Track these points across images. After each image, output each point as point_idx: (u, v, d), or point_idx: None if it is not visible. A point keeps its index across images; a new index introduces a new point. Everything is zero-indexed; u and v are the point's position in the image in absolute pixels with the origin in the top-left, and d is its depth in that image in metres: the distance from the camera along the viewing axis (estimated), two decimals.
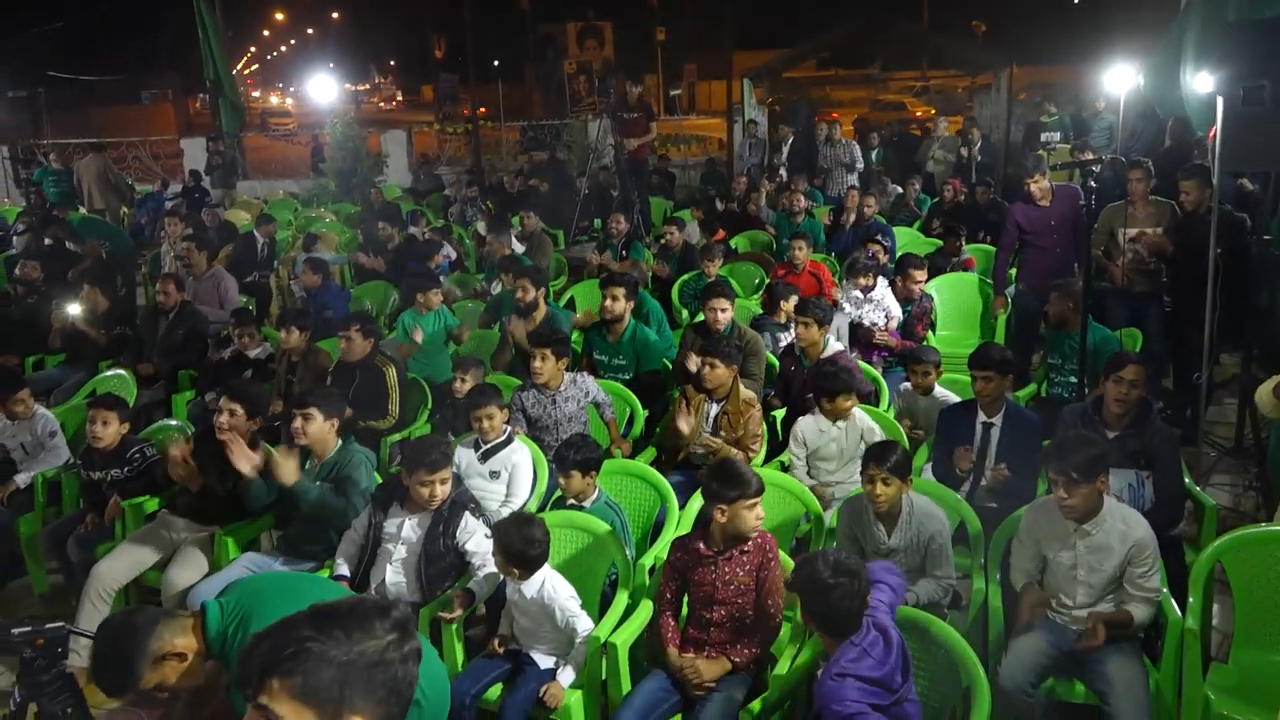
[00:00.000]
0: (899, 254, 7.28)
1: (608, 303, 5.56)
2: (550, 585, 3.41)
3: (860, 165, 12.09)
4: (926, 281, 6.74)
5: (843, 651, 2.65)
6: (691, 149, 19.64)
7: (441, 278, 7.76)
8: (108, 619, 2.53)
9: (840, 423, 4.51)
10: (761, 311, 6.30)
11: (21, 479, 5.01)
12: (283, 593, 2.68)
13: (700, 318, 5.68)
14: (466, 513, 3.75)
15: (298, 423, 4.09)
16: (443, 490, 3.72)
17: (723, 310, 5.40)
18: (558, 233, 11.01)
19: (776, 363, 5.59)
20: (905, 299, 6.39)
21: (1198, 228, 5.55)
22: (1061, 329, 5.31)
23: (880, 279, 6.42)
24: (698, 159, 17.26)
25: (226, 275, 7.83)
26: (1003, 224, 6.79)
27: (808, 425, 4.56)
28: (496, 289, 7.45)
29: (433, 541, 3.73)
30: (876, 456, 3.55)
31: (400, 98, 59.33)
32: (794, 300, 5.92)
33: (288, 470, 3.94)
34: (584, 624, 3.43)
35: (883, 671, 2.61)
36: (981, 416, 4.32)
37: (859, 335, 6.13)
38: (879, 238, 7.80)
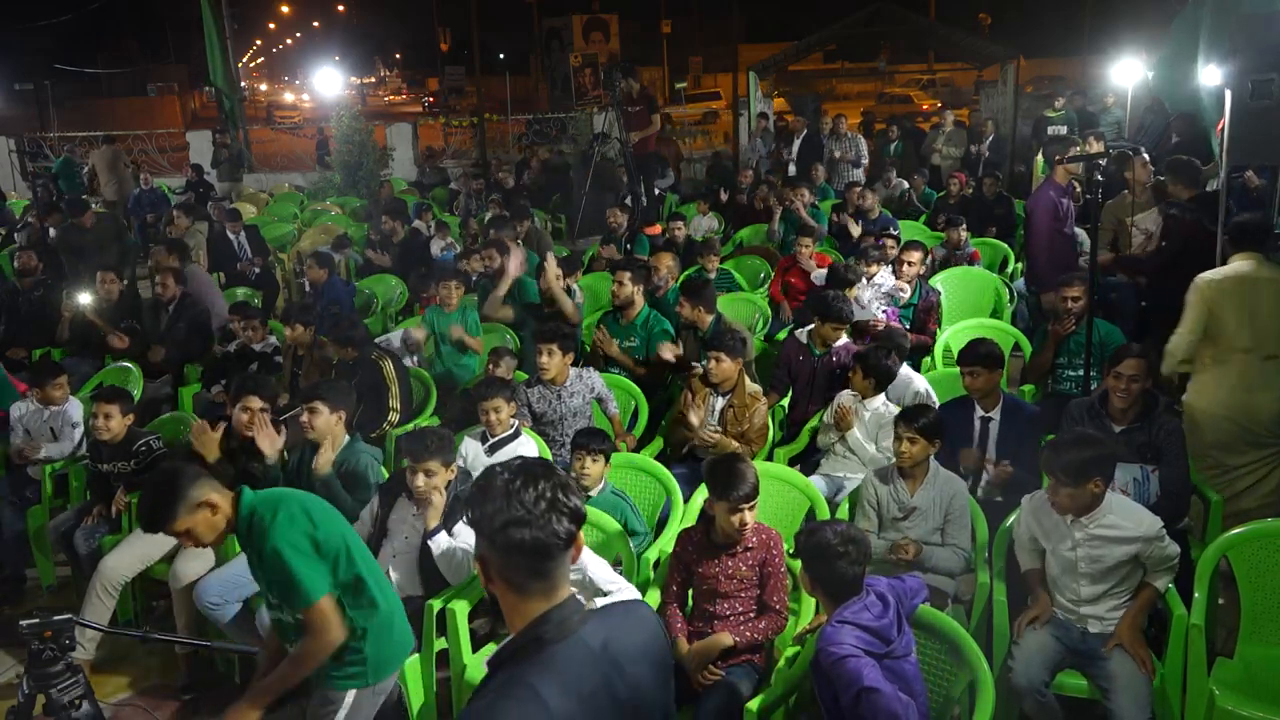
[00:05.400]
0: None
1: (614, 287, 5.68)
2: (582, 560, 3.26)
3: (865, 160, 12.03)
4: (931, 275, 6.71)
5: (846, 605, 2.76)
6: (697, 142, 19.60)
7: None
8: (159, 467, 2.87)
9: (867, 402, 4.64)
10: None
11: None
12: (311, 503, 2.98)
13: None
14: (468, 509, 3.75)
15: (305, 417, 4.12)
16: (425, 481, 3.68)
17: (679, 305, 5.56)
18: (560, 225, 11.03)
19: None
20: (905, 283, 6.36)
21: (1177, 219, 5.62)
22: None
23: (884, 267, 6.43)
24: (703, 152, 17.23)
25: (199, 274, 7.69)
26: (1036, 216, 6.34)
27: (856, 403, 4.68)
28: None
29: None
30: (906, 417, 3.81)
31: (405, 90, 59.22)
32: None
33: (325, 459, 4.07)
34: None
35: (880, 623, 2.72)
36: (979, 411, 4.35)
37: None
38: (886, 230, 7.79)
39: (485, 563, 1.70)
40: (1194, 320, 4.29)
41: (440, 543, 3.67)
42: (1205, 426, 4.33)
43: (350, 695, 2.94)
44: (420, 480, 3.68)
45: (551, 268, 5.85)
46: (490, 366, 5.39)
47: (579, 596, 1.77)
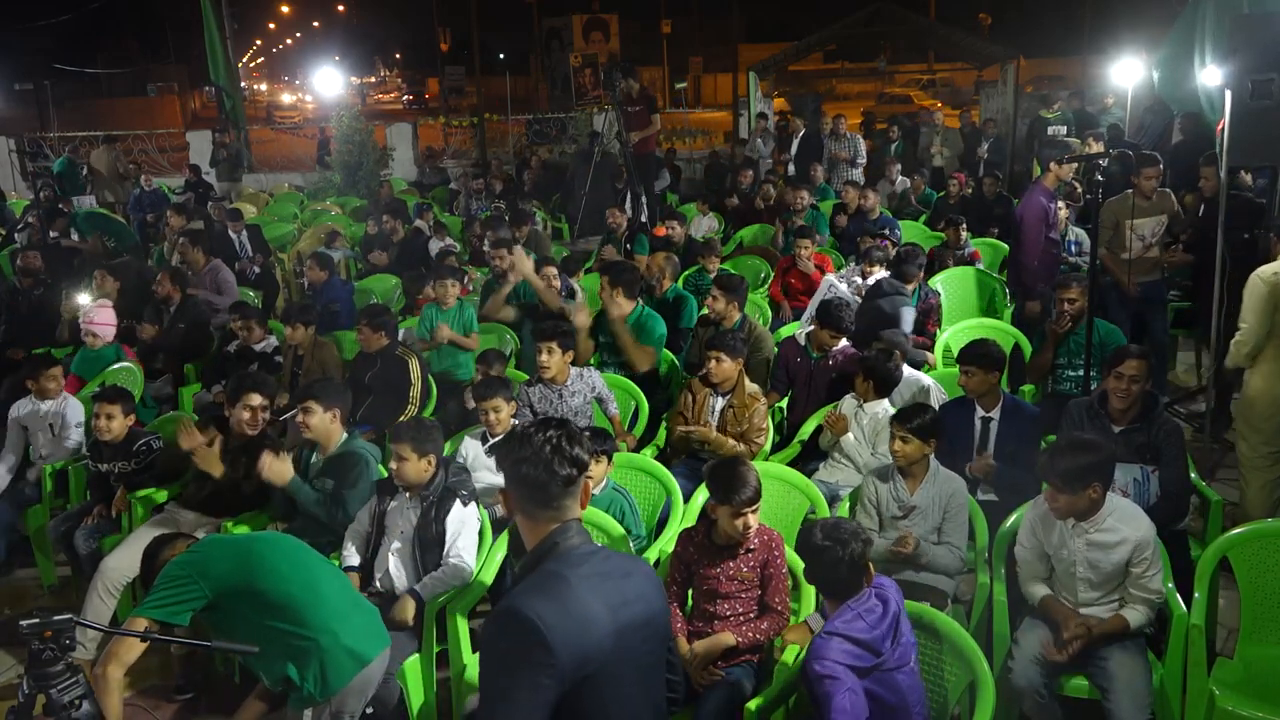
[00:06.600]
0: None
1: (599, 291, 5.69)
2: None
3: (863, 160, 12.01)
4: (930, 276, 6.71)
5: (840, 613, 2.74)
6: (697, 142, 19.61)
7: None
8: (148, 544, 3.31)
9: (867, 406, 4.62)
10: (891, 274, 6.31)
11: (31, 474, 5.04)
12: (250, 555, 3.07)
13: (705, 310, 5.75)
14: (457, 500, 3.77)
15: (300, 418, 4.14)
16: (397, 466, 3.73)
17: (713, 299, 5.52)
18: (562, 226, 11.01)
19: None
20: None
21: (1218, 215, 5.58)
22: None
23: (882, 269, 6.44)
24: (703, 152, 17.24)
25: (224, 268, 7.82)
26: (1026, 223, 6.38)
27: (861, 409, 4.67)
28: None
29: (425, 528, 3.75)
30: (900, 417, 3.83)
31: (397, 90, 59.12)
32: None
33: (280, 473, 4.04)
34: None
35: (872, 635, 2.68)
36: (979, 411, 4.35)
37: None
38: (885, 230, 7.79)
39: (506, 495, 2.05)
40: (1262, 313, 4.35)
41: (427, 588, 3.67)
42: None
43: (307, 714, 3.02)
44: (393, 464, 3.74)
45: (521, 260, 5.85)
46: (481, 370, 5.34)
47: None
